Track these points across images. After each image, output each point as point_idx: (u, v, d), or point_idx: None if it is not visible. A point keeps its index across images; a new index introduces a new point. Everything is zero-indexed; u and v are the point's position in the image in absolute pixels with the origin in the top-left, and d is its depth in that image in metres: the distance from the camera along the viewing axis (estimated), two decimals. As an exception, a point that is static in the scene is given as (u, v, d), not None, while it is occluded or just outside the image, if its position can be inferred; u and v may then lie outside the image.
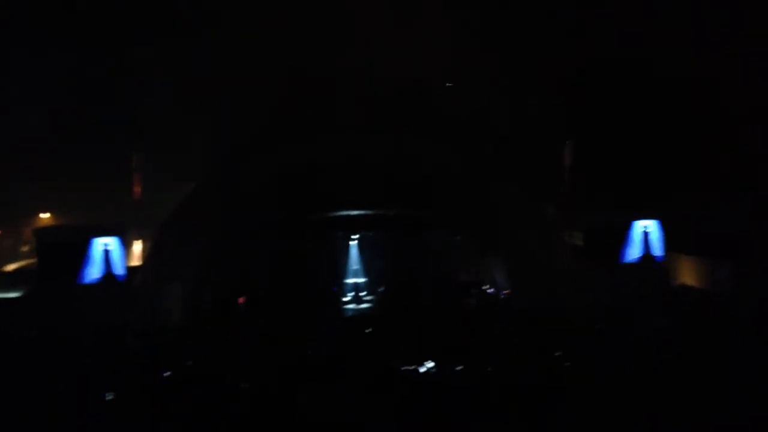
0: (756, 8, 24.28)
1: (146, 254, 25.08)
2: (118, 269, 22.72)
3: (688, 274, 24.27)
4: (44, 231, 25.28)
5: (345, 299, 27.35)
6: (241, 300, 25.11)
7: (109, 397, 11.92)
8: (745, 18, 24.65)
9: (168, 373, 13.51)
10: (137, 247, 27.29)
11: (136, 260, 26.57)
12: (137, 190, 25.71)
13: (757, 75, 24.54)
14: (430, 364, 13.78)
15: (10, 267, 28.44)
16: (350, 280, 28.21)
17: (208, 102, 27.66)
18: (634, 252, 24.23)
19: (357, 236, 28.52)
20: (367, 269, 28.47)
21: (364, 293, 27.60)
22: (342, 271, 28.46)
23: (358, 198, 25.48)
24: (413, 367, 13.86)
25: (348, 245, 28.68)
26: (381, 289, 27.46)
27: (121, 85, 28.55)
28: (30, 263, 27.27)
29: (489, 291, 26.35)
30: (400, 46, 26.75)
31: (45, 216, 30.84)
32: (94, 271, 22.23)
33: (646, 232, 24.31)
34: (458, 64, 27.81)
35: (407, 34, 26.65)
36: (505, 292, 25.25)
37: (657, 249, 24.23)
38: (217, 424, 11.22)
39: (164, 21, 27.48)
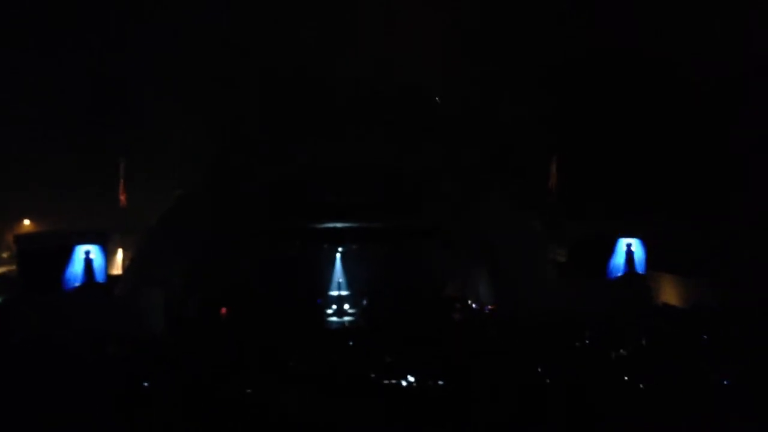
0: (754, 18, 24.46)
1: (129, 262, 24.90)
2: (100, 276, 22.59)
3: (669, 292, 24.42)
4: (25, 237, 25.09)
5: (329, 311, 27.26)
6: (223, 310, 24.97)
7: (89, 405, 11.80)
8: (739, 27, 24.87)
9: (147, 384, 13.41)
10: (120, 254, 27.08)
11: (119, 268, 26.35)
12: (123, 197, 25.49)
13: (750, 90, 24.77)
14: (412, 378, 13.76)
15: (-10, 273, 28.16)
16: (334, 293, 28.16)
17: (197, 110, 27.56)
18: (617, 268, 24.46)
19: (342, 248, 28.50)
20: (351, 282, 28.44)
21: (348, 306, 27.52)
22: (326, 283, 28.43)
23: (344, 210, 25.45)
24: (395, 380, 13.83)
25: (333, 257, 28.66)
26: (364, 302, 27.40)
27: (110, 91, 28.40)
28: (10, 270, 26.98)
29: (473, 305, 26.36)
30: (389, 57, 26.82)
31: (26, 222, 30.57)
32: (75, 279, 22.07)
33: (629, 249, 24.55)
34: (448, 76, 27.90)
35: (397, 46, 26.73)
36: (489, 306, 25.26)
37: (639, 266, 24.48)
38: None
39: (155, 24, 27.36)
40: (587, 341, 17.18)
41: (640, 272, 24.45)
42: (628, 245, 24.55)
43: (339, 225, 26.13)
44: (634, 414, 10.55)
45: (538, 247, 25.10)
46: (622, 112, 27.32)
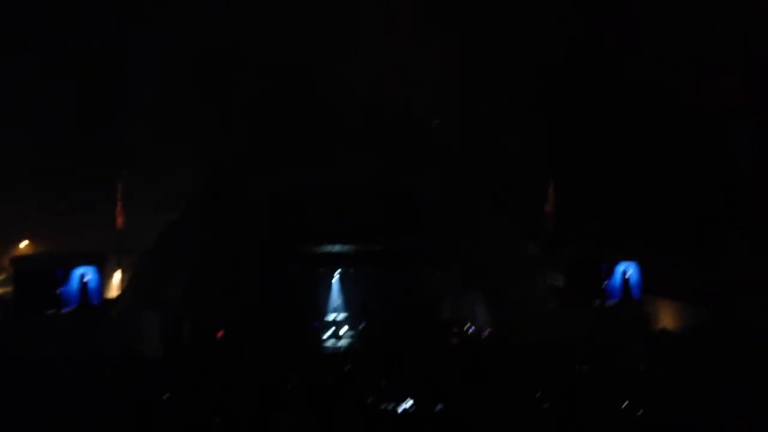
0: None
1: (125, 284, 24.83)
2: (96, 299, 22.51)
3: (666, 317, 24.40)
4: (21, 259, 25.04)
5: (325, 335, 27.15)
6: (219, 334, 24.85)
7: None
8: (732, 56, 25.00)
9: (142, 408, 13.31)
10: (117, 276, 27.01)
11: (115, 290, 26.26)
12: (120, 219, 25.48)
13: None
14: (409, 403, 13.69)
15: (-15, 295, 27.98)
16: (331, 316, 28.04)
17: (192, 130, 27.63)
18: (614, 293, 24.40)
19: (339, 271, 28.43)
20: (348, 305, 28.33)
21: (345, 329, 27.42)
22: (323, 306, 28.32)
23: (340, 232, 25.45)
24: (392, 405, 13.75)
25: (330, 280, 28.57)
26: (362, 325, 27.30)
27: (105, 110, 28.45)
28: (6, 292, 26.84)
29: (471, 329, 26.29)
30: (384, 78, 26.97)
31: (23, 244, 30.48)
32: (71, 301, 21.98)
33: (626, 274, 24.52)
34: (445, 97, 28.04)
35: (393, 67, 26.89)
36: (487, 330, 25.20)
37: (636, 291, 24.42)
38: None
39: (150, 42, 27.44)
40: (585, 366, 17.11)
41: (637, 298, 24.40)
42: (625, 270, 24.52)
43: (335, 248, 26.12)
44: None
45: (535, 271, 25.10)
46: (620, 134, 27.42)
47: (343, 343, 26.75)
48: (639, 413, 11.79)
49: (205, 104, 27.92)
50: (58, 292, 21.98)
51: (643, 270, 24.54)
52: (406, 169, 25.67)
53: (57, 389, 14.24)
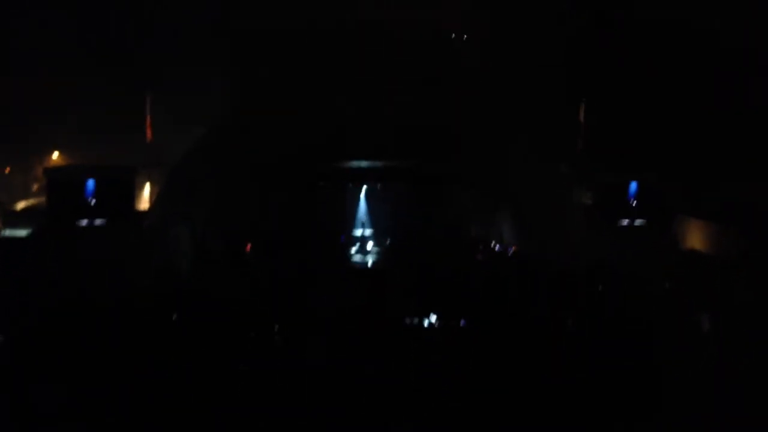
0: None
1: (156, 197, 25.13)
2: (127, 211, 22.79)
3: (696, 238, 24.16)
4: (54, 170, 25.34)
5: (352, 250, 27.41)
6: (248, 247, 25.20)
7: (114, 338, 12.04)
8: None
9: (174, 316, 13.67)
10: (147, 189, 27.32)
11: (145, 203, 26.61)
12: (149, 132, 25.61)
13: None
14: (434, 318, 13.89)
15: (20, 205, 28.55)
16: (358, 231, 28.25)
17: (223, 45, 27.35)
18: (643, 213, 24.18)
19: (367, 187, 28.45)
20: (375, 221, 28.48)
21: (371, 245, 27.63)
22: (350, 221, 28.49)
23: (370, 148, 25.34)
24: (417, 320, 13.96)
25: (358, 196, 28.65)
26: (388, 241, 27.48)
27: (137, 25, 28.22)
28: (39, 202, 27.35)
29: (497, 247, 26.36)
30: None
31: (55, 155, 30.84)
32: (102, 212, 22.29)
33: (656, 194, 24.22)
34: (475, 17, 27.34)
35: None
36: (512, 248, 25.25)
37: (666, 211, 24.17)
38: (221, 369, 11.37)
39: None
40: (610, 285, 17.14)
41: (668, 217, 24.15)
42: (656, 190, 24.20)
43: (363, 164, 26.06)
44: (657, 359, 10.56)
45: (563, 190, 24.91)
46: (651, 57, 26.61)
47: (369, 258, 27.00)
48: (664, 332, 11.83)
49: (235, 24, 27.50)
50: (89, 203, 22.25)
51: (673, 190, 24.21)
52: (435, 90, 25.31)
53: (86, 300, 14.61)
